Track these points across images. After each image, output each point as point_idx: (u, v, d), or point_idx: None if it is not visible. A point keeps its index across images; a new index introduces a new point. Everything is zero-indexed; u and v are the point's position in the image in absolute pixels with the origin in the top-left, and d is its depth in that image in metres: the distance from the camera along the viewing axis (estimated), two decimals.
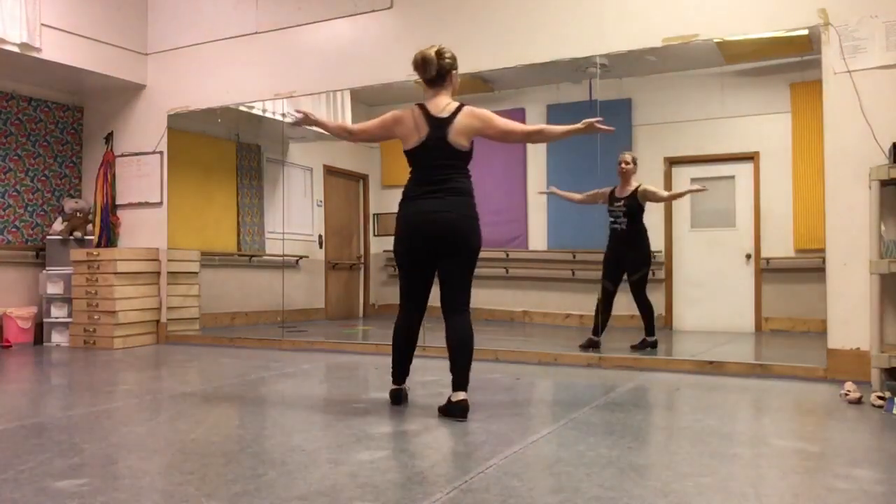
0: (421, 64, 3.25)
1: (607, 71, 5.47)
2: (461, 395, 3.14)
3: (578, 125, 3.30)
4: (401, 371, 3.45)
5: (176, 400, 3.72)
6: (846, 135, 4.24)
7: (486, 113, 3.29)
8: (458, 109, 3.26)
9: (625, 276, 5.53)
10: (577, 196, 5.92)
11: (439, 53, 3.26)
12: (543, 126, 3.40)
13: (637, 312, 5.55)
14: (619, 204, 5.52)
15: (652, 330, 5.44)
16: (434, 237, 3.20)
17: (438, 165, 3.24)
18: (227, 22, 6.44)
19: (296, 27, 6.15)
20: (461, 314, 3.23)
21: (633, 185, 5.54)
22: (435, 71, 3.25)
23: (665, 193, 5.99)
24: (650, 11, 4.85)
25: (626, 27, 4.91)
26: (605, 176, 5.67)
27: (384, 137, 3.45)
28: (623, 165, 5.55)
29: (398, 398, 3.45)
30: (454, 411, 3.12)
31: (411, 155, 3.31)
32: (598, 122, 3.28)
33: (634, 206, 5.49)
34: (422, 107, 3.29)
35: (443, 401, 3.24)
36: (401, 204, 3.32)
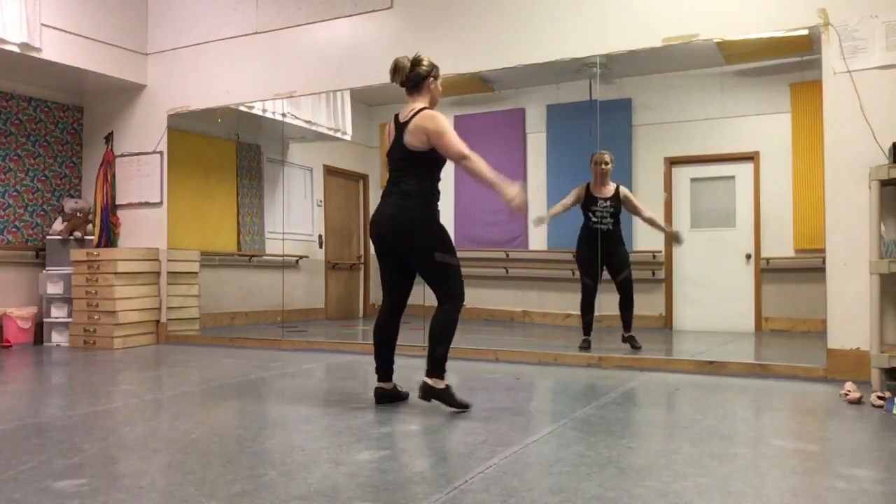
0: (392, 70, 3.39)
1: (607, 71, 5.47)
2: (426, 378, 3.27)
3: (505, 191, 3.17)
4: (382, 369, 3.48)
5: (176, 400, 3.72)
6: (846, 135, 4.24)
7: (438, 123, 3.24)
8: (418, 112, 3.32)
9: (606, 276, 5.53)
10: (566, 204, 5.74)
11: (415, 62, 3.37)
12: (473, 156, 3.20)
13: (615, 311, 5.54)
14: (605, 204, 5.49)
15: (630, 326, 5.46)
16: (384, 236, 3.37)
17: (396, 168, 3.38)
18: (227, 22, 6.45)
19: (296, 27, 6.15)
20: (440, 305, 3.33)
21: (612, 185, 5.53)
22: (404, 78, 3.36)
23: (647, 213, 5.69)
24: (650, 11, 4.86)
25: (626, 27, 4.91)
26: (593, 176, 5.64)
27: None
28: (603, 166, 5.50)
29: (381, 397, 3.47)
30: (420, 391, 3.29)
31: (386, 157, 3.47)
32: (516, 205, 3.18)
33: (618, 205, 5.51)
34: (396, 115, 3.44)
35: (441, 401, 3.30)
36: None
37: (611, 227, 5.48)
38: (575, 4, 5.11)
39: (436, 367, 3.26)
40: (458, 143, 3.22)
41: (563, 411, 3.41)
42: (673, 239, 5.99)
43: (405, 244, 3.33)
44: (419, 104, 3.36)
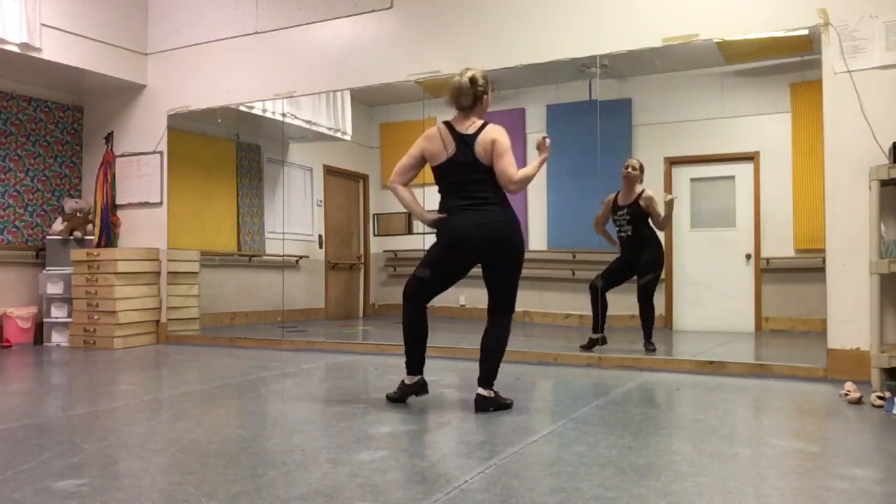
0: (457, 94, 3.33)
1: (607, 71, 5.47)
2: (481, 390, 3.29)
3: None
4: (417, 361, 3.45)
5: (176, 400, 3.72)
6: (846, 135, 4.24)
7: (507, 138, 3.31)
8: (483, 126, 3.32)
9: (633, 279, 5.48)
10: (601, 219, 5.71)
11: (473, 81, 3.33)
12: (520, 188, 3.32)
13: (633, 314, 5.50)
14: (622, 213, 5.45)
15: (651, 334, 5.36)
16: (484, 248, 3.28)
17: (470, 180, 3.30)
18: (227, 22, 6.45)
19: (296, 27, 6.15)
20: (504, 316, 3.39)
21: (637, 191, 5.45)
22: (470, 101, 3.34)
23: (660, 223, 5.51)
24: (650, 11, 4.86)
25: (627, 27, 4.91)
26: (604, 176, 5.65)
27: (420, 166, 3.46)
28: (630, 171, 5.45)
29: (410, 389, 3.46)
30: (476, 404, 3.29)
31: (439, 169, 3.37)
32: None
33: (637, 212, 5.40)
34: (448, 125, 3.37)
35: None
36: (440, 220, 3.37)
37: (630, 233, 5.42)
38: (575, 4, 5.11)
39: (491, 378, 3.31)
40: (512, 170, 3.26)
41: (563, 411, 3.41)
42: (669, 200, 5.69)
43: (508, 254, 3.30)
44: (477, 118, 3.36)
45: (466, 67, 3.41)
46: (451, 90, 3.34)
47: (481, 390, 3.29)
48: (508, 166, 3.26)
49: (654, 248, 5.46)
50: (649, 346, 5.26)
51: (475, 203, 3.28)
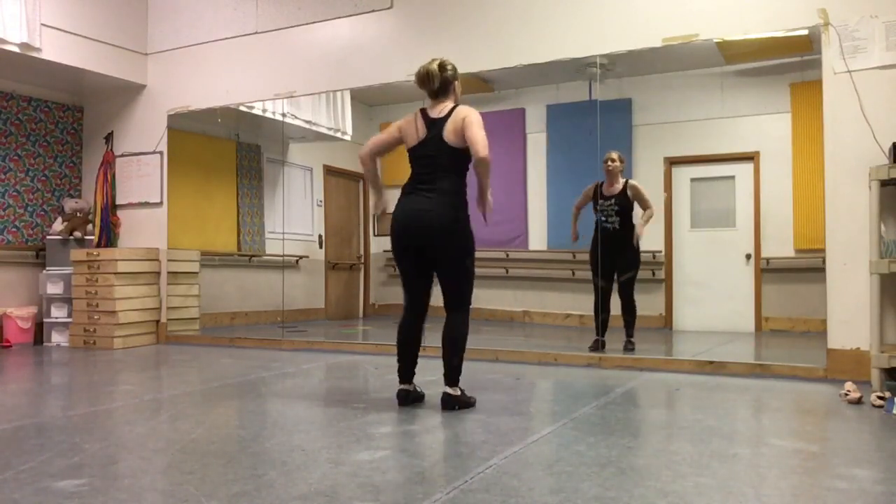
0: (425, 78, 3.38)
1: (607, 71, 5.47)
2: (447, 389, 3.33)
3: (489, 198, 3.39)
4: (404, 370, 3.48)
5: (176, 400, 3.72)
6: (846, 135, 4.24)
7: (476, 114, 3.33)
8: (453, 109, 3.36)
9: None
10: (578, 205, 5.78)
11: (441, 66, 3.39)
12: (487, 160, 3.23)
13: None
14: (609, 203, 5.48)
15: (632, 331, 5.39)
16: (419, 235, 3.31)
17: (429, 164, 3.34)
18: (227, 22, 6.44)
19: (296, 27, 6.15)
20: (456, 312, 3.36)
21: (621, 181, 5.51)
22: (438, 84, 3.38)
23: (648, 210, 5.54)
24: (650, 11, 4.85)
25: (626, 27, 4.91)
26: (604, 176, 5.65)
27: (394, 144, 3.52)
28: (609, 163, 5.50)
29: (404, 399, 3.46)
30: (441, 402, 3.33)
31: (411, 153, 3.43)
32: (488, 211, 3.41)
33: (625, 203, 5.46)
34: (422, 111, 3.43)
35: (462, 407, 3.36)
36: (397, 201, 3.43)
37: (617, 225, 5.44)
38: (575, 4, 5.10)
39: (455, 375, 3.33)
40: (480, 138, 3.24)
41: (563, 411, 3.41)
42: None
43: (443, 243, 3.29)
44: (449, 104, 3.40)
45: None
46: (418, 76, 3.39)
47: (447, 389, 3.32)
48: (479, 135, 3.24)
49: (636, 244, 5.51)
50: (629, 345, 5.29)
51: (427, 189, 3.31)
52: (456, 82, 3.45)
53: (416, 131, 3.39)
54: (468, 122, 3.27)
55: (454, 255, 3.32)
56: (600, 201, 5.52)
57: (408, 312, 3.47)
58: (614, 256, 5.45)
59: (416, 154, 3.40)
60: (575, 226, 5.79)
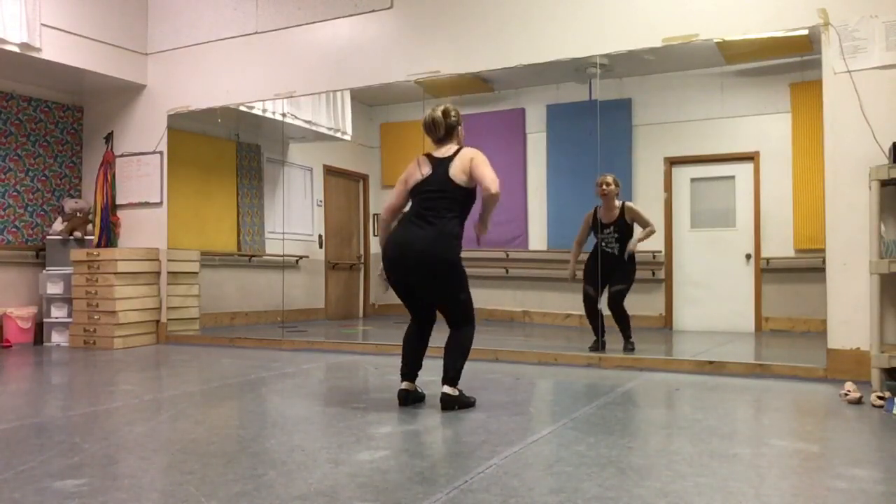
0: (431, 126, 3.46)
1: (607, 71, 5.48)
2: (445, 389, 3.35)
3: (488, 225, 3.50)
4: (406, 370, 3.49)
5: (176, 400, 3.72)
6: (846, 135, 4.24)
7: (477, 155, 3.38)
8: (459, 150, 3.43)
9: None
10: (580, 241, 5.67)
11: (445, 113, 3.46)
12: (498, 196, 3.31)
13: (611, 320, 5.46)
14: (609, 231, 5.44)
15: (629, 333, 5.36)
16: (409, 270, 3.37)
17: (432, 202, 3.37)
18: (227, 22, 6.44)
19: (296, 27, 6.15)
20: (459, 329, 3.43)
21: (618, 205, 5.45)
22: (444, 132, 3.45)
23: (648, 228, 5.47)
24: (650, 11, 4.85)
25: (626, 27, 4.91)
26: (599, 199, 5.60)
27: (407, 195, 3.54)
28: (604, 187, 5.42)
29: (405, 399, 3.46)
30: (441, 403, 3.35)
31: (414, 189, 3.46)
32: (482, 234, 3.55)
33: (624, 229, 5.41)
34: (427, 154, 3.50)
35: (461, 407, 3.38)
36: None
37: (617, 252, 5.41)
38: (575, 4, 5.11)
39: (455, 377, 3.36)
40: (488, 177, 3.29)
41: (563, 411, 3.41)
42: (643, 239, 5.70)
43: (431, 282, 3.36)
44: (454, 145, 3.47)
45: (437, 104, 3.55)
46: (425, 124, 3.48)
47: (446, 388, 3.35)
48: (488, 173, 3.32)
49: (632, 262, 5.47)
50: (629, 346, 5.30)
51: (427, 226, 3.33)
52: (460, 126, 3.52)
53: (418, 169, 3.45)
54: (476, 162, 3.34)
55: (444, 291, 3.38)
56: (600, 234, 5.48)
57: (413, 325, 3.55)
58: (608, 273, 5.41)
59: (419, 190, 3.43)
60: (574, 264, 5.71)
